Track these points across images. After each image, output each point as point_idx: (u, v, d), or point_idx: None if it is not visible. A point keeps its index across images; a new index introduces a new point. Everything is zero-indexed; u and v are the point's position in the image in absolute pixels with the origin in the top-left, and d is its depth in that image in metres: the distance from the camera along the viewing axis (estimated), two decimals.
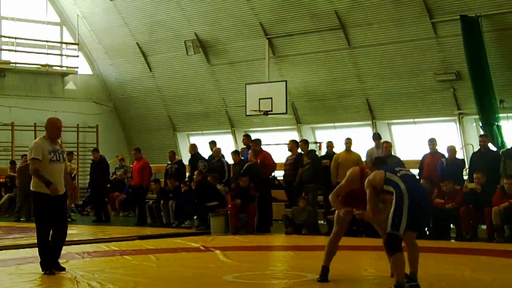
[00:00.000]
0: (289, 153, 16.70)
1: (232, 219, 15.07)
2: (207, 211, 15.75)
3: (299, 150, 16.38)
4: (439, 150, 15.33)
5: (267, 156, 16.43)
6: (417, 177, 8.05)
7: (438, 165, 14.77)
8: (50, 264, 9.24)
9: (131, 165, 22.90)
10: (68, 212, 17.69)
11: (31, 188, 9.37)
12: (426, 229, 13.96)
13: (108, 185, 20.71)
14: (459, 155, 18.35)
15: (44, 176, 9.10)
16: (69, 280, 8.67)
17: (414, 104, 19.99)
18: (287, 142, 17.15)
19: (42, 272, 9.17)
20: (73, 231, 16.01)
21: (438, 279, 8.55)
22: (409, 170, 8.01)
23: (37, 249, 9.46)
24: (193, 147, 18.28)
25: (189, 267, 9.93)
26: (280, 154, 18.68)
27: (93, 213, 20.32)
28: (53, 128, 9.36)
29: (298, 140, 17.84)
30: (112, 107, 26.94)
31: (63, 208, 9.45)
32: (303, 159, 16.05)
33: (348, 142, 16.14)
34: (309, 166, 15.82)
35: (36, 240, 9.57)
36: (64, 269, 9.42)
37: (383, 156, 14.26)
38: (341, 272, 8.71)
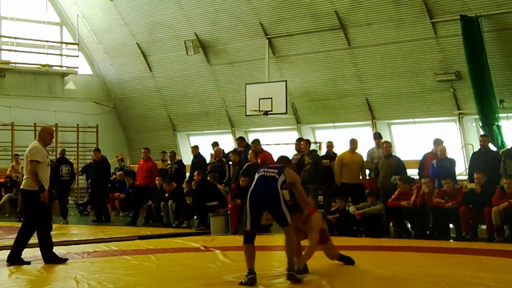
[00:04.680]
0: (291, 153, 16.62)
1: (232, 219, 15.07)
2: (207, 211, 15.75)
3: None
4: None
5: (268, 156, 16.40)
6: (276, 179, 8.49)
7: (430, 167, 14.79)
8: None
9: (131, 165, 22.88)
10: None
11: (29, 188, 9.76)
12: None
13: (109, 185, 20.71)
14: (459, 155, 18.33)
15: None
16: (69, 280, 8.66)
17: (414, 104, 19.97)
18: (288, 142, 17.08)
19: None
20: (73, 231, 16.03)
21: (438, 279, 8.54)
22: (273, 172, 8.54)
23: (36, 249, 9.56)
24: (61, 152, 18.90)
25: (189, 267, 9.92)
26: (280, 154, 18.60)
27: (93, 213, 20.32)
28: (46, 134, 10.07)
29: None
30: (112, 107, 26.94)
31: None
32: (305, 159, 16.01)
33: (354, 143, 16.01)
34: (311, 166, 15.77)
35: (36, 240, 9.66)
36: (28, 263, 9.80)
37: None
38: (341, 272, 8.71)
